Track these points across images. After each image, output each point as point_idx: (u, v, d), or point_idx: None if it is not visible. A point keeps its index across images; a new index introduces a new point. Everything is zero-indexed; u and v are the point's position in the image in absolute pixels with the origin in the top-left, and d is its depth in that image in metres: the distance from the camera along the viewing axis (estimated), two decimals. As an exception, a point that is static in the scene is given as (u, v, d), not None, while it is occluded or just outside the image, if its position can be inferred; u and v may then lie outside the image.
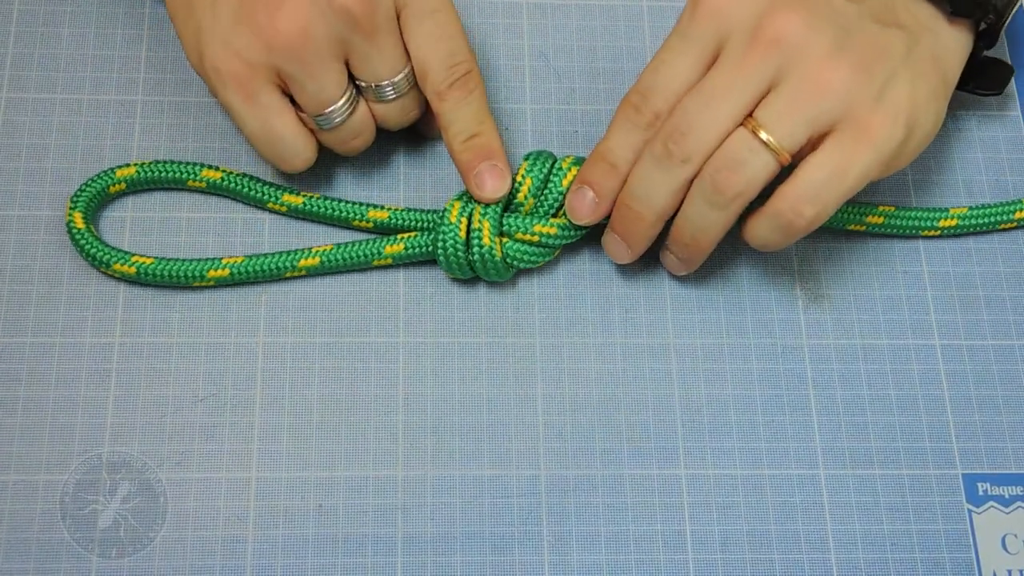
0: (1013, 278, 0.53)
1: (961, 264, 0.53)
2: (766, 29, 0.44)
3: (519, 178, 0.48)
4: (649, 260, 0.51)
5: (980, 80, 0.52)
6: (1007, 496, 0.49)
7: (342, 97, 0.47)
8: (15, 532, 0.45)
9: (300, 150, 0.48)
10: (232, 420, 0.48)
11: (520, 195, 0.48)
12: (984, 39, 0.50)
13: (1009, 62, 0.53)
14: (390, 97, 0.48)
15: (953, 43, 0.48)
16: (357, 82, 0.48)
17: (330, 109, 0.47)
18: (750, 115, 0.45)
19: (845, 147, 0.44)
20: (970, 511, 0.48)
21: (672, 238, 0.48)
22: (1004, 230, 0.53)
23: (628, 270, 0.51)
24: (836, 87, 0.44)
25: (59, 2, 0.54)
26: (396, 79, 0.48)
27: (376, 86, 0.48)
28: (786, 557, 0.47)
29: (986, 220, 0.52)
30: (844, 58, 0.44)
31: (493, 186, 0.48)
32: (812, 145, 0.45)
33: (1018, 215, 0.52)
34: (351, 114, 0.48)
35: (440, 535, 0.47)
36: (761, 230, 0.46)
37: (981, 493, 0.49)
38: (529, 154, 0.49)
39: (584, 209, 0.48)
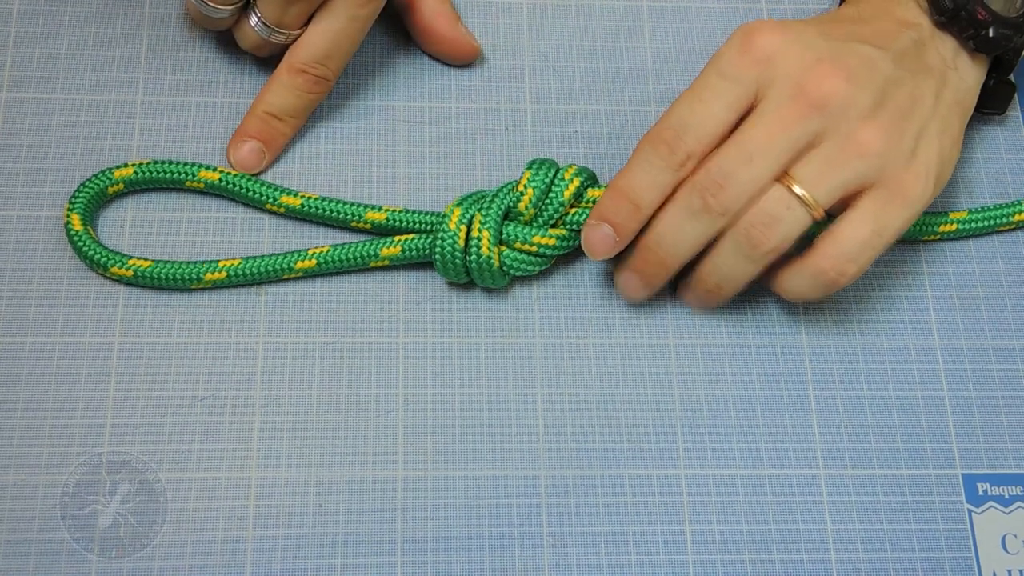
0: (1013, 278, 0.53)
1: (961, 264, 0.53)
2: (811, 89, 0.45)
3: (521, 188, 0.48)
4: (649, 260, 0.51)
5: (985, 101, 0.52)
6: (1007, 496, 0.49)
7: (232, 4, 0.49)
8: (15, 532, 0.45)
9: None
10: (232, 420, 0.48)
11: (521, 205, 0.48)
12: (997, 69, 0.51)
13: (1012, 79, 0.53)
14: (265, 36, 0.50)
15: (972, 78, 0.50)
16: (252, 3, 0.49)
17: (214, 5, 0.49)
18: (786, 172, 0.45)
19: (882, 206, 0.45)
20: (970, 511, 0.48)
21: (696, 281, 0.48)
22: (1003, 232, 0.53)
23: (628, 270, 0.51)
24: (873, 149, 0.45)
25: (59, 2, 0.54)
26: (281, 31, 0.49)
27: (262, 22, 0.49)
28: (786, 557, 0.47)
29: (985, 224, 0.52)
30: (881, 119, 0.45)
31: (245, 163, 0.51)
32: (844, 202, 0.46)
33: (1017, 217, 0.52)
34: (226, 16, 0.50)
35: (440, 535, 0.47)
36: (800, 286, 0.47)
37: (981, 493, 0.49)
38: (532, 163, 0.49)
39: (603, 247, 0.47)
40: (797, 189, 0.45)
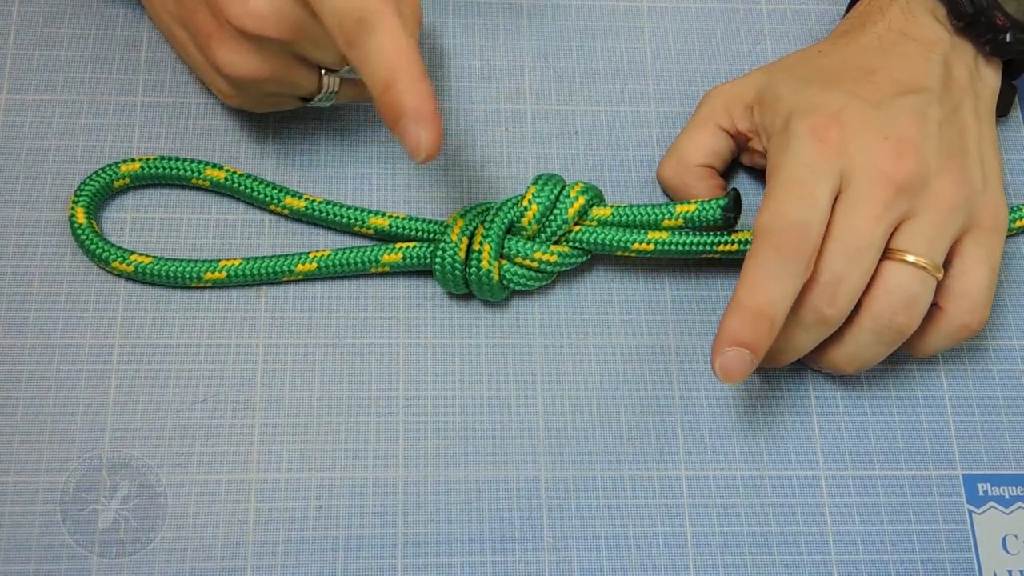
0: (1012, 279, 0.53)
1: (961, 265, 0.53)
2: (891, 174, 0.44)
3: (525, 203, 0.48)
4: (650, 261, 0.51)
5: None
6: (1007, 497, 0.49)
7: (321, 86, 0.48)
8: (15, 534, 0.45)
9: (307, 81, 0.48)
10: (232, 421, 0.48)
11: (525, 219, 0.48)
12: (1007, 72, 0.51)
13: (1013, 82, 0.53)
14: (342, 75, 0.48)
15: (993, 80, 0.50)
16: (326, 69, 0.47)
17: (319, 97, 0.48)
18: (888, 248, 0.45)
19: (985, 244, 0.46)
20: (970, 512, 0.48)
21: (823, 364, 0.48)
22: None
23: (628, 271, 0.51)
24: (959, 199, 0.45)
25: (59, 3, 0.54)
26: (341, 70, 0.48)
27: (329, 71, 0.48)
28: (786, 558, 0.47)
29: None
30: (951, 167, 0.46)
31: (425, 143, 0.41)
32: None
33: (1018, 224, 0.52)
34: (338, 88, 0.48)
35: (440, 536, 0.47)
36: (943, 344, 0.47)
37: (981, 494, 0.49)
38: (538, 178, 0.49)
39: (741, 372, 0.43)
40: (912, 259, 0.45)
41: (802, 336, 0.46)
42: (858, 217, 0.44)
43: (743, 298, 0.44)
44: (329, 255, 0.49)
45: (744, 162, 0.52)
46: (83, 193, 0.49)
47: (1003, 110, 0.53)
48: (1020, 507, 0.49)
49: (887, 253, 0.45)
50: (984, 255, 0.46)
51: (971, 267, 0.46)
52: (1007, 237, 0.53)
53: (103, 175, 0.49)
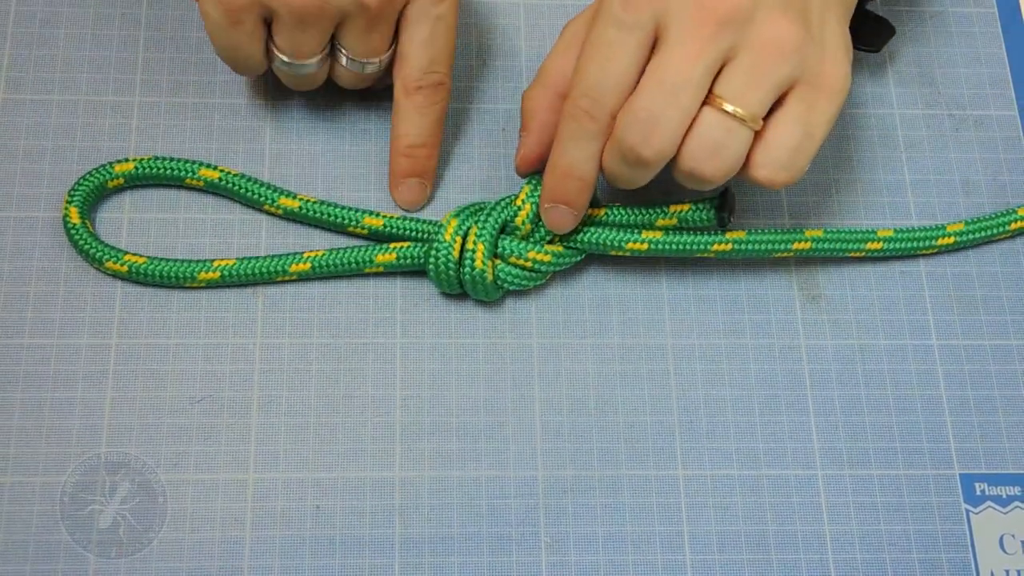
0: (1010, 278, 0.53)
1: (958, 264, 0.53)
2: (714, 6, 0.42)
3: (519, 203, 0.48)
4: (647, 262, 0.51)
5: (862, 38, 0.50)
6: (1004, 496, 0.49)
7: (317, 55, 0.48)
8: (13, 534, 0.45)
9: (255, 67, 0.49)
10: (229, 422, 0.48)
11: (518, 219, 0.48)
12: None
13: (891, 24, 0.52)
14: (359, 71, 0.49)
15: None
16: (336, 45, 0.48)
17: (301, 62, 0.48)
18: (710, 92, 0.43)
19: (809, 105, 0.44)
20: (967, 511, 0.48)
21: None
22: (1001, 240, 0.53)
23: (625, 271, 0.51)
24: (790, 46, 0.43)
25: (56, 3, 0.54)
26: (372, 60, 0.49)
27: (351, 59, 0.48)
28: (784, 558, 0.47)
29: (982, 235, 0.52)
30: (788, 14, 0.43)
31: (412, 201, 0.51)
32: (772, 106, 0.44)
33: (1013, 226, 0.52)
34: (316, 69, 0.49)
35: (438, 536, 0.47)
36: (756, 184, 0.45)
37: (978, 493, 0.49)
38: (532, 177, 0.49)
39: (565, 224, 0.48)
40: (729, 107, 0.43)
41: (628, 174, 0.45)
42: (675, 56, 0.42)
43: (554, 160, 0.46)
44: (323, 255, 0.49)
45: None
46: (77, 193, 0.49)
47: (876, 44, 0.51)
48: (1017, 507, 0.49)
49: (708, 98, 0.43)
50: (804, 113, 0.44)
51: (783, 121, 0.44)
52: (1005, 238, 0.53)
53: (97, 175, 0.49)
